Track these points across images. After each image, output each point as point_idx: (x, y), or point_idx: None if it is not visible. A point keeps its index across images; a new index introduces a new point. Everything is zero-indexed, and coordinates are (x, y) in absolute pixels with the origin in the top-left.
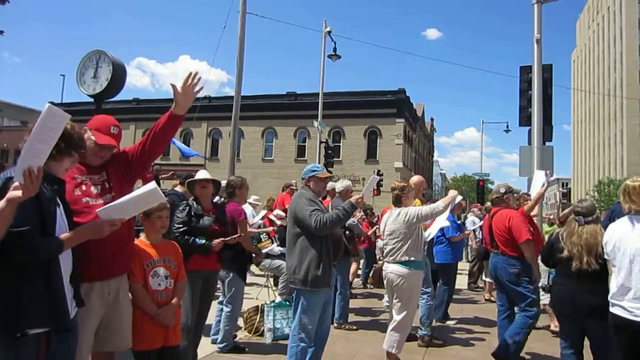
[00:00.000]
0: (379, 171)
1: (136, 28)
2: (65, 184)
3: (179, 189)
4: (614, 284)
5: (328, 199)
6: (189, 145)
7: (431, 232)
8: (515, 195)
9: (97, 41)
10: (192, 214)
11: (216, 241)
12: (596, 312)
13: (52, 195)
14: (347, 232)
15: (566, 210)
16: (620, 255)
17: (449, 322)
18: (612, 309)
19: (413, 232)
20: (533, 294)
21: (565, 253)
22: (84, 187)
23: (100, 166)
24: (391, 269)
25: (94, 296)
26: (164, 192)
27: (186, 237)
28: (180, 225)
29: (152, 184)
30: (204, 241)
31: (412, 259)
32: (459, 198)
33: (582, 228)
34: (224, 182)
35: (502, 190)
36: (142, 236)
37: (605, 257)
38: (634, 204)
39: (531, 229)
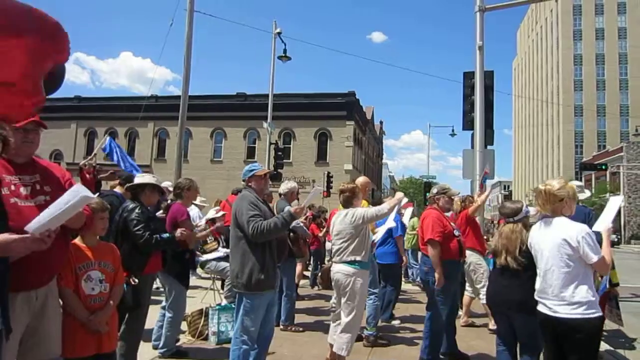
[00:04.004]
0: (329, 173)
1: (73, 21)
2: None
3: (118, 189)
4: (538, 283)
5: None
6: (134, 146)
7: (377, 234)
8: (447, 197)
9: None
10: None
11: (179, 230)
12: (521, 307)
13: None
14: (292, 234)
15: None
16: (539, 257)
17: (394, 322)
18: (538, 307)
19: (360, 233)
20: (439, 295)
21: (492, 248)
22: (12, 187)
23: (32, 167)
24: (338, 269)
25: (18, 304)
26: (101, 193)
27: (154, 236)
28: (145, 227)
29: (76, 188)
30: (167, 235)
31: (358, 258)
32: (405, 200)
33: (502, 227)
34: (164, 184)
35: (435, 190)
36: (77, 238)
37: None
38: (543, 208)
39: (455, 231)
